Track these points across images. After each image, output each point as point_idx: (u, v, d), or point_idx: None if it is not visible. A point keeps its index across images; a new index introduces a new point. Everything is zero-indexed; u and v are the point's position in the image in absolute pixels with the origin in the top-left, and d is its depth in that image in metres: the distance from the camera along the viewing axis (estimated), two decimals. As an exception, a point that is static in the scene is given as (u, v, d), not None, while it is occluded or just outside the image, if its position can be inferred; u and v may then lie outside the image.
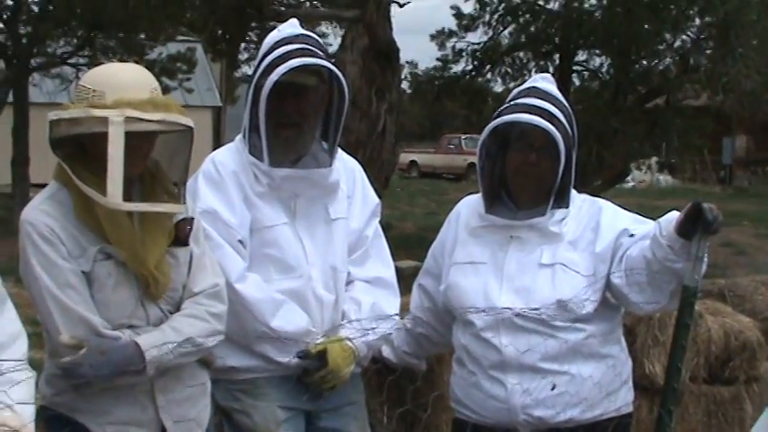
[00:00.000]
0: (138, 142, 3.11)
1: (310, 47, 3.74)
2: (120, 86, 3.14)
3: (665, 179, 33.39)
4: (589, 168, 15.41)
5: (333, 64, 3.77)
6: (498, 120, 3.72)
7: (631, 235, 3.70)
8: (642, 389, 5.15)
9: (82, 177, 3.10)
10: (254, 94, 3.70)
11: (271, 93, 3.64)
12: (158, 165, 3.28)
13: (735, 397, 6.40)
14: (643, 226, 3.73)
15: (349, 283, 3.97)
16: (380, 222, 4.15)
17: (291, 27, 3.83)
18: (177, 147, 3.27)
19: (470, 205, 3.96)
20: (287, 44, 3.70)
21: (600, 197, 4.04)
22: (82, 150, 3.16)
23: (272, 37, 3.80)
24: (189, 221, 3.33)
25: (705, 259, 3.52)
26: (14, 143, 20.26)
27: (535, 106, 3.68)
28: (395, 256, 4.26)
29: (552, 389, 3.67)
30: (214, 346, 3.39)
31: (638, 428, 5.59)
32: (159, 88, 3.24)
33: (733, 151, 31.82)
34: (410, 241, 11.83)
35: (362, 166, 4.16)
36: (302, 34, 3.80)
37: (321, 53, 3.77)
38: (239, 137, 3.87)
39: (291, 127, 3.75)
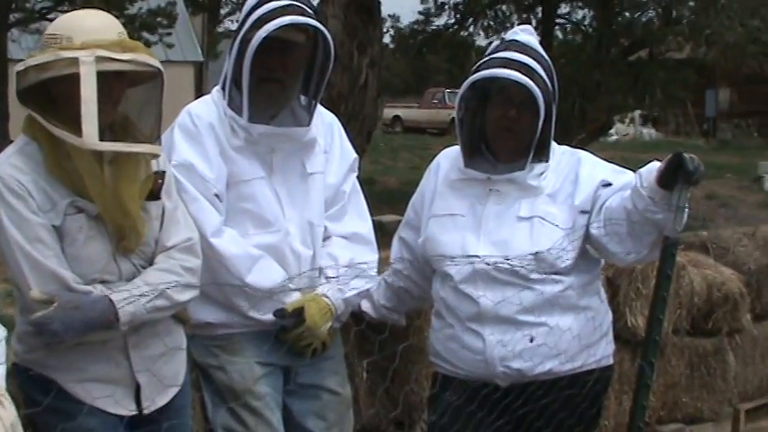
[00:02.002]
0: (108, 85, 3.05)
1: (299, 4, 3.68)
2: (88, 30, 3.09)
3: (648, 132, 33.41)
4: (572, 122, 15.40)
5: (319, 20, 3.71)
6: (477, 74, 3.67)
7: (609, 184, 3.67)
8: (624, 341, 5.15)
9: (54, 124, 3.04)
10: (239, 48, 3.64)
11: (258, 47, 3.58)
12: (128, 118, 3.22)
13: (717, 349, 6.42)
14: (623, 176, 3.70)
15: (326, 238, 3.94)
16: (363, 177, 4.11)
17: None
18: (147, 98, 3.21)
19: (450, 157, 3.92)
20: None
21: (583, 150, 3.99)
22: (51, 102, 3.10)
23: None
24: (160, 175, 3.28)
25: (686, 210, 3.48)
26: (-6, 99, 20.11)
27: (515, 60, 3.62)
28: (378, 211, 4.23)
29: (531, 341, 3.64)
30: (189, 302, 3.34)
31: (621, 381, 5.61)
32: (126, 33, 3.18)
33: (716, 104, 31.83)
34: (393, 196, 11.81)
35: (344, 120, 4.13)
36: None
37: (310, 10, 3.71)
38: (216, 89, 3.81)
39: (274, 82, 3.71)
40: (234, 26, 3.74)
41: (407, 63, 34.18)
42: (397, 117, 40.07)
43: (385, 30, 17.69)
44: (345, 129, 4.10)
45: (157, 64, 3.16)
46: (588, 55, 17.70)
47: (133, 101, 3.24)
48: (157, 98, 3.21)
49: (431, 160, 4.07)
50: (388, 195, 11.66)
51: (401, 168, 18.63)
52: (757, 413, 6.99)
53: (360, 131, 9.67)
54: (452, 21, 20.10)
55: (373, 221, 4.12)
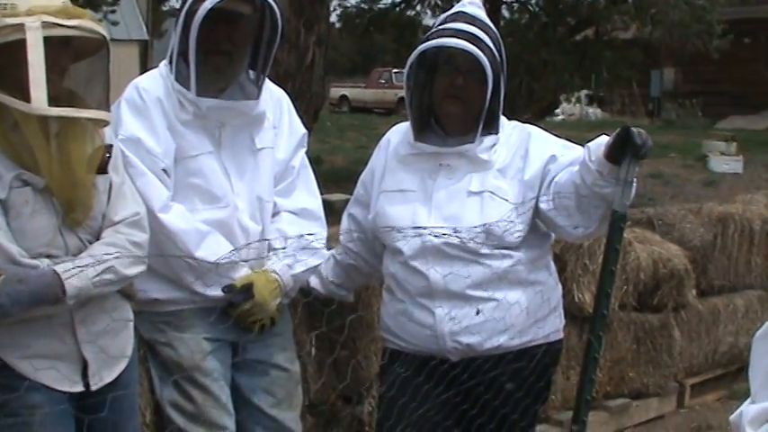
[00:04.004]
0: (54, 54, 3.01)
1: None
2: None
3: (594, 112, 33.58)
4: (519, 101, 15.42)
5: None
6: (424, 44, 3.66)
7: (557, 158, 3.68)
8: (571, 317, 5.17)
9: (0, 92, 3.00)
10: (185, 20, 3.59)
11: (204, 19, 3.54)
12: (74, 92, 3.18)
13: (663, 324, 6.49)
14: (572, 151, 3.71)
15: (275, 214, 3.92)
16: (310, 156, 4.09)
17: None
18: (94, 69, 3.17)
19: (400, 132, 3.91)
20: None
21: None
22: None
23: None
24: (107, 148, 3.24)
25: (634, 184, 3.50)
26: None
27: (462, 30, 3.62)
28: (325, 190, 4.22)
29: (477, 313, 3.65)
30: (136, 276, 3.31)
31: (568, 356, 5.65)
32: (69, 3, 3.14)
33: (661, 84, 32.04)
34: (340, 175, 11.79)
35: (291, 98, 4.09)
36: None
37: None
38: (164, 63, 3.77)
39: (221, 55, 3.67)
40: (179, 4, 3.69)
41: (354, 42, 34.07)
42: (344, 96, 39.96)
43: (332, 8, 17.63)
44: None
45: (103, 31, 3.12)
46: (535, 34, 17.70)
47: (80, 74, 3.20)
48: (104, 68, 3.17)
49: (378, 139, 4.06)
50: (335, 174, 11.64)
51: (348, 148, 18.59)
52: (702, 388, 7.08)
53: (307, 110, 9.62)
54: (399, 0, 20.07)
55: (321, 200, 4.11)
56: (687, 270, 6.53)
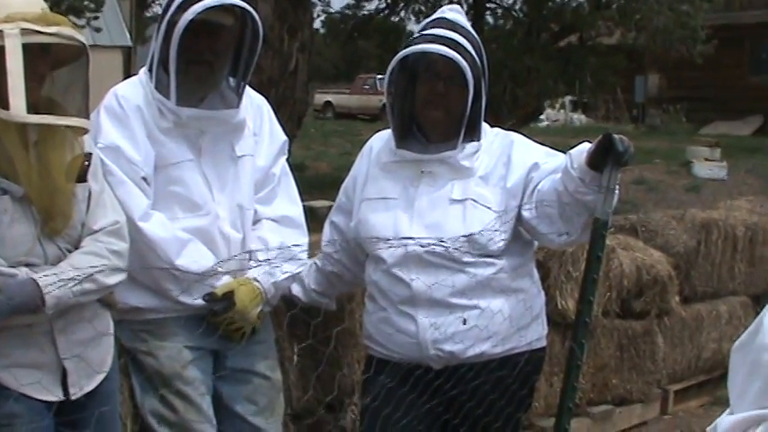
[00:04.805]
0: (33, 61, 2.99)
1: None
2: (11, 4, 3.02)
3: (578, 118, 33.64)
4: (503, 107, 15.44)
5: (248, 3, 3.65)
6: (405, 50, 3.66)
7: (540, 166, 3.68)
8: (554, 324, 5.17)
9: None
10: (166, 30, 3.57)
11: (185, 30, 3.51)
12: (53, 100, 3.16)
13: (646, 331, 6.50)
14: (555, 159, 3.70)
15: (256, 221, 3.90)
16: (293, 162, 4.08)
17: None
18: (73, 77, 3.15)
19: (382, 139, 3.91)
20: None
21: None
22: None
23: None
24: (86, 156, 3.22)
25: (616, 191, 3.49)
26: None
27: (442, 36, 3.62)
28: (309, 197, 4.21)
29: (464, 323, 3.64)
30: (116, 285, 3.29)
31: (551, 363, 5.64)
32: (48, 9, 3.12)
33: (645, 90, 32.09)
34: (324, 181, 11.77)
35: (275, 105, 4.08)
36: None
37: None
38: (143, 70, 3.75)
39: (202, 64, 3.65)
40: (161, 11, 3.66)
41: (339, 48, 34.03)
42: (328, 103, 39.95)
43: (316, 15, 17.62)
44: (276, 114, 4.06)
45: (82, 38, 3.10)
46: (519, 40, 17.73)
47: (59, 81, 3.18)
48: (83, 76, 3.14)
49: (362, 146, 4.05)
50: (319, 181, 11.62)
51: (332, 154, 18.58)
52: (686, 394, 7.09)
53: (290, 117, 9.60)
54: (383, 5, 20.04)
55: (304, 207, 4.09)
56: (670, 276, 6.53)
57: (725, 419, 2.12)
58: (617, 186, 3.48)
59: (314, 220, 4.19)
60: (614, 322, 6.32)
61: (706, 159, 17.08)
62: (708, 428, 2.19)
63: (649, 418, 6.74)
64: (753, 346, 2.14)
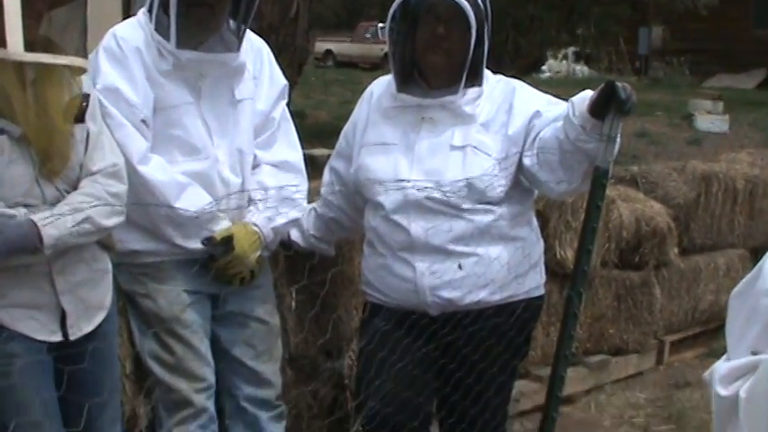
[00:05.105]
0: None
1: None
2: None
3: (581, 70, 33.46)
4: (505, 56, 15.36)
5: None
6: None
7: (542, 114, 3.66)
8: (553, 273, 5.17)
9: None
10: None
11: None
12: (50, 40, 3.13)
13: (644, 282, 6.50)
14: (557, 107, 3.68)
15: (255, 166, 3.89)
16: (294, 111, 4.06)
17: None
18: (70, 16, 3.12)
19: (383, 85, 3.89)
20: None
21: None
22: None
23: None
24: (85, 97, 3.20)
25: (618, 140, 3.48)
26: None
27: None
28: (309, 145, 4.20)
29: (459, 268, 3.64)
30: (114, 227, 3.28)
31: (549, 312, 5.66)
32: None
33: (649, 41, 31.88)
34: (324, 130, 11.70)
35: (275, 52, 4.05)
36: None
37: None
38: (143, 11, 3.71)
39: (203, 7, 3.62)
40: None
41: (340, -4, 33.83)
42: (329, 51, 39.71)
43: (318, -40, 17.47)
44: (276, 61, 4.04)
45: None
46: (522, -12, 17.64)
47: (57, 21, 3.14)
48: (82, 15, 3.11)
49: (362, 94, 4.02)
50: (319, 129, 11.55)
51: (333, 102, 18.48)
52: (681, 345, 7.11)
53: (290, 63, 9.52)
54: (386, -48, 19.93)
55: (304, 155, 4.08)
56: (670, 228, 6.53)
57: (722, 366, 2.13)
58: (618, 135, 3.47)
59: (313, 168, 4.18)
60: (612, 273, 6.33)
61: (708, 113, 17.00)
62: (704, 374, 2.20)
63: (645, 369, 6.76)
64: (752, 291, 2.14)
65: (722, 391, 2.10)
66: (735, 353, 2.14)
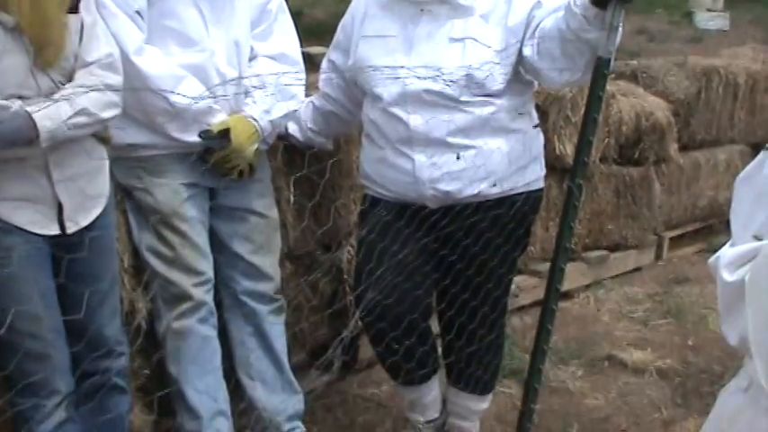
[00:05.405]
0: None
1: None
2: None
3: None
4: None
5: None
6: None
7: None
8: (552, 168, 5.15)
9: None
10: None
11: None
12: None
13: (644, 177, 6.49)
14: (558, -1, 3.62)
15: (252, 58, 3.83)
16: (291, 9, 4.00)
17: None
18: None
19: (382, -23, 3.81)
20: None
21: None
22: None
23: None
24: None
25: (620, 29, 3.42)
26: None
27: None
28: (306, 43, 4.15)
29: (457, 158, 3.61)
30: (110, 119, 3.24)
31: (548, 208, 5.65)
32: None
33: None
34: (321, 28, 11.59)
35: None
36: None
37: None
38: None
39: None
40: None
41: None
42: (326, -51, 39.30)
43: None
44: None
45: None
46: None
47: None
48: None
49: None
50: (316, 27, 11.42)
51: (329, 1, 18.31)
52: (680, 241, 7.13)
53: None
54: None
55: (302, 53, 4.03)
56: (670, 123, 6.49)
57: (727, 252, 2.12)
58: (620, 24, 3.41)
59: (311, 66, 4.12)
60: (612, 168, 6.31)
61: (708, 9, 16.82)
62: (710, 260, 2.18)
63: (644, 264, 6.79)
64: (759, 176, 2.12)
65: (728, 277, 2.08)
66: (741, 238, 2.12)
